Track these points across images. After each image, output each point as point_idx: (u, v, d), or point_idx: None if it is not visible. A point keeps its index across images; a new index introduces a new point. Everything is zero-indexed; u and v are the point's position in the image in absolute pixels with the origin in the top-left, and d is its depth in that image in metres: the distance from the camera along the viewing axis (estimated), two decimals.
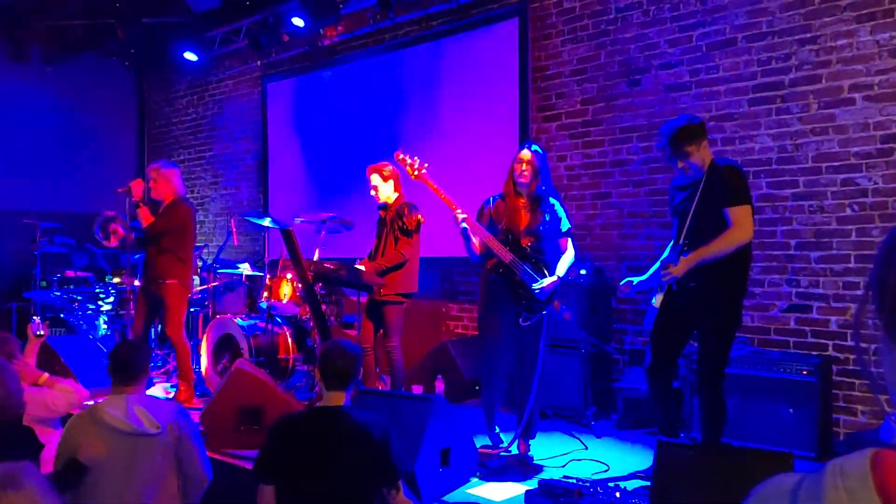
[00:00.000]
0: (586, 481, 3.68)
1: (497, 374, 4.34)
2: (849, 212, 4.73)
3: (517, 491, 3.77)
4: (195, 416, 4.14)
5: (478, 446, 4.16)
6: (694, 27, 5.44)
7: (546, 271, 4.22)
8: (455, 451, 3.84)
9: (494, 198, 4.40)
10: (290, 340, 6.02)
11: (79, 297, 7.23)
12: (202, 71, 9.39)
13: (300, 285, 5.46)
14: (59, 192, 9.20)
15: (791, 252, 4.96)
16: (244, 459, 4.15)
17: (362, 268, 5.03)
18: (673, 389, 4.00)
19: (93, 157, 9.76)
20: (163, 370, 6.79)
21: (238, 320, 6.02)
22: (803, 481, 0.78)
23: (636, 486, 3.79)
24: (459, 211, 4.16)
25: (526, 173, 4.24)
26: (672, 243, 3.99)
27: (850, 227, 4.72)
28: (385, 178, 5.17)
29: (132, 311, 6.18)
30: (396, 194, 5.21)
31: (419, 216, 5.05)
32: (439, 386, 5.78)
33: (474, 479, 3.96)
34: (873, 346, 0.83)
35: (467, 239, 4.23)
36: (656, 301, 3.87)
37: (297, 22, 7.51)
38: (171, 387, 6.19)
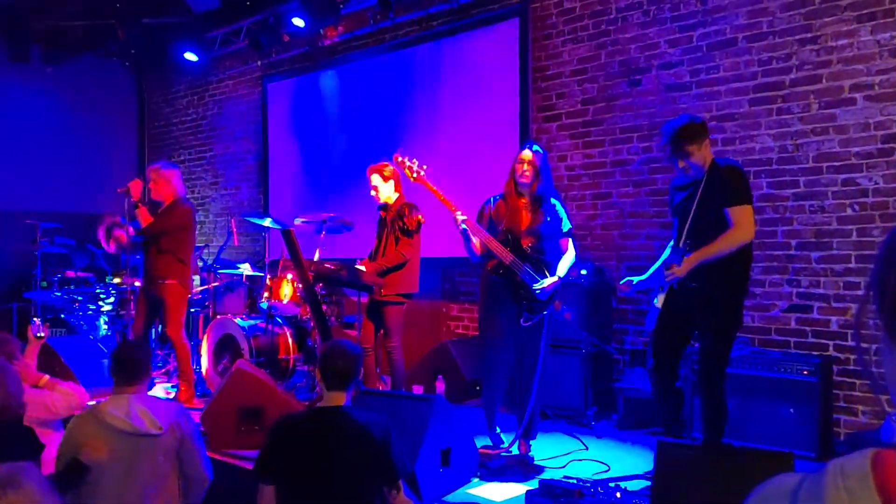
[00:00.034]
0: (587, 481, 3.68)
1: (497, 374, 4.34)
2: (849, 212, 4.73)
3: (518, 491, 3.77)
4: (196, 417, 4.13)
5: (478, 447, 4.16)
6: (694, 27, 5.44)
7: (547, 272, 4.22)
8: (455, 452, 3.84)
9: (495, 198, 4.40)
10: (290, 341, 6.02)
11: (79, 298, 7.23)
12: (202, 71, 9.39)
13: (301, 286, 5.46)
14: (59, 193, 9.20)
15: (792, 252, 4.96)
16: (244, 460, 4.15)
17: (363, 268, 5.03)
18: (676, 389, 3.99)
19: (93, 158, 9.77)
20: (163, 370, 6.79)
21: (238, 321, 6.02)
22: (804, 481, 0.78)
23: (637, 486, 3.79)
24: (459, 212, 4.16)
25: (527, 173, 4.23)
26: (672, 243, 3.99)
27: (850, 226, 4.72)
28: (385, 179, 5.17)
29: (132, 312, 6.18)
30: (397, 194, 5.21)
31: (419, 216, 5.05)
32: (440, 386, 5.78)
33: (475, 480, 3.96)
34: (874, 347, 0.83)
35: (468, 240, 4.23)
36: (658, 301, 3.87)
37: (298, 22, 7.51)
38: (172, 387, 6.19)
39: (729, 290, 3.70)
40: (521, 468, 4.07)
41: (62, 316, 7.39)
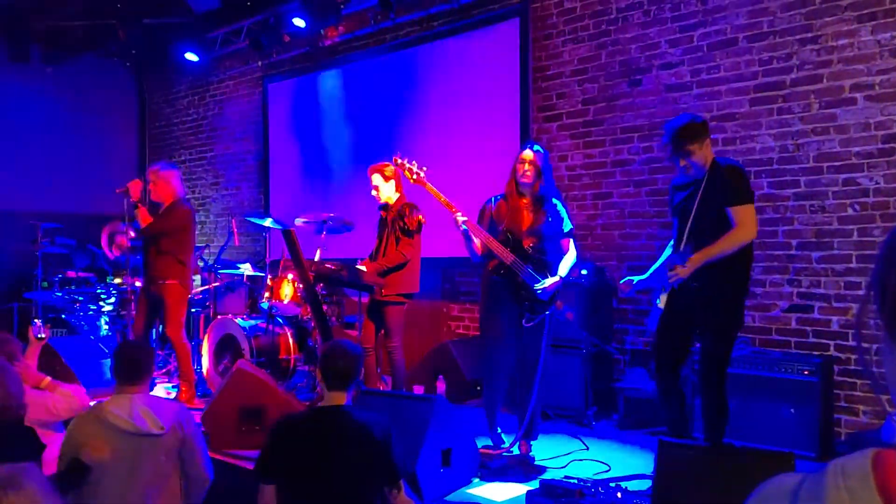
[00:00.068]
0: (588, 481, 3.68)
1: (498, 374, 4.34)
2: (850, 211, 4.72)
3: (519, 491, 3.76)
4: (196, 417, 4.13)
5: (479, 447, 4.16)
6: (695, 27, 5.44)
7: (548, 272, 4.21)
8: (456, 452, 3.84)
9: (496, 198, 4.40)
10: (291, 341, 6.02)
11: (80, 298, 7.23)
12: (203, 71, 9.39)
13: (301, 286, 5.46)
14: (60, 193, 9.20)
15: (792, 252, 4.95)
16: (245, 460, 4.15)
17: (363, 268, 5.03)
18: (679, 390, 3.99)
19: (94, 158, 9.77)
20: (164, 371, 6.79)
21: (239, 321, 6.03)
22: (804, 481, 0.78)
23: (638, 486, 3.79)
24: (459, 214, 4.16)
25: (528, 173, 4.23)
26: (672, 242, 3.99)
27: (851, 226, 4.72)
28: (386, 179, 5.17)
29: (133, 312, 6.18)
30: (398, 194, 5.21)
31: (420, 216, 5.05)
32: (440, 386, 5.78)
33: (476, 480, 3.96)
34: (875, 346, 0.83)
35: (469, 240, 4.23)
36: (661, 302, 3.86)
37: (298, 22, 7.51)
38: (173, 387, 6.19)
39: (730, 289, 3.70)
40: (521, 468, 4.07)
41: (63, 316, 7.39)
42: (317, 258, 5.52)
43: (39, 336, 4.04)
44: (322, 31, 7.80)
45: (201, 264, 7.15)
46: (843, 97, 4.76)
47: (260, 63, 8.76)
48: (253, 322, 6.08)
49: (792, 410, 4.43)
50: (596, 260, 5.87)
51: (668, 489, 3.19)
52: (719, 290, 3.68)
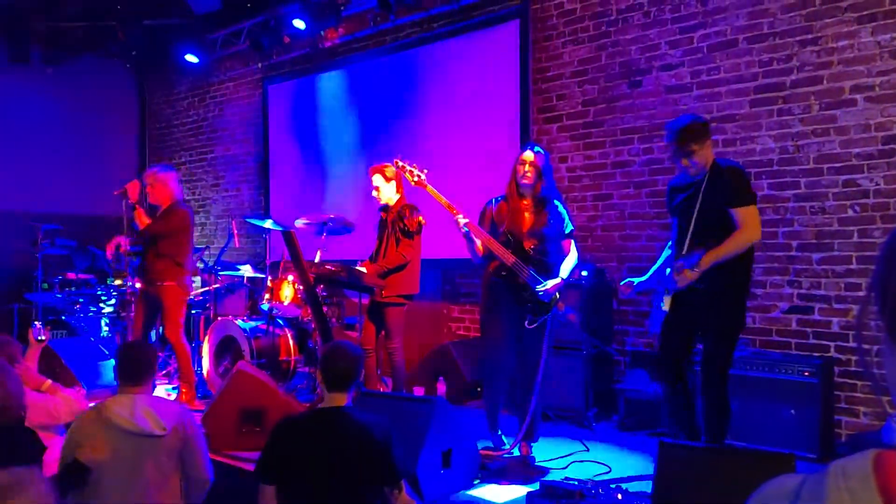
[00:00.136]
0: (588, 483, 3.68)
1: (499, 376, 4.34)
2: (850, 213, 4.72)
3: (519, 493, 3.76)
4: (197, 418, 4.13)
5: (479, 448, 4.16)
6: (695, 28, 5.44)
7: (549, 273, 4.21)
8: (457, 453, 3.84)
9: (497, 199, 4.40)
10: (291, 342, 6.02)
11: (80, 300, 7.23)
12: (203, 73, 9.40)
13: (302, 287, 5.46)
14: (60, 194, 9.20)
15: (792, 253, 4.96)
16: (246, 461, 4.15)
17: (364, 269, 5.03)
18: (686, 390, 3.98)
19: (94, 159, 9.77)
20: (164, 372, 6.79)
21: (239, 322, 6.03)
22: (805, 482, 0.78)
23: (638, 487, 3.79)
24: (461, 215, 4.16)
25: (528, 175, 4.23)
26: (670, 243, 3.99)
27: (851, 228, 4.72)
28: (387, 179, 5.17)
29: (132, 315, 6.19)
30: (398, 195, 5.21)
31: (420, 217, 5.06)
32: (441, 388, 5.78)
33: (476, 481, 3.96)
34: (875, 348, 0.83)
35: (470, 242, 4.23)
36: (665, 304, 3.86)
37: (298, 24, 7.51)
38: (173, 389, 6.19)
39: (732, 291, 3.71)
40: (522, 470, 4.07)
41: (63, 318, 7.40)
42: (317, 259, 5.52)
43: (40, 338, 4.04)
44: (322, 33, 7.80)
45: (201, 266, 7.15)
46: (843, 98, 4.76)
47: (260, 64, 8.77)
48: (253, 323, 6.09)
49: (792, 412, 4.43)
50: (596, 261, 5.87)
51: (668, 490, 3.19)
52: (721, 292, 3.68)
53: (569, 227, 4.32)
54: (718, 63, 5.31)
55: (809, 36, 4.90)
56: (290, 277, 5.66)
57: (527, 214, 4.27)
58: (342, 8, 7.25)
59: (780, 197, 5.01)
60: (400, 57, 7.39)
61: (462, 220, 4.15)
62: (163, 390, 6.23)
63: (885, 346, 0.80)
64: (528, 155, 4.25)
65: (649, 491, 3.47)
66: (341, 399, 2.82)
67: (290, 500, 2.69)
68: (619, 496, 3.47)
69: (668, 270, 3.87)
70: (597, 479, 3.96)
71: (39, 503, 1.66)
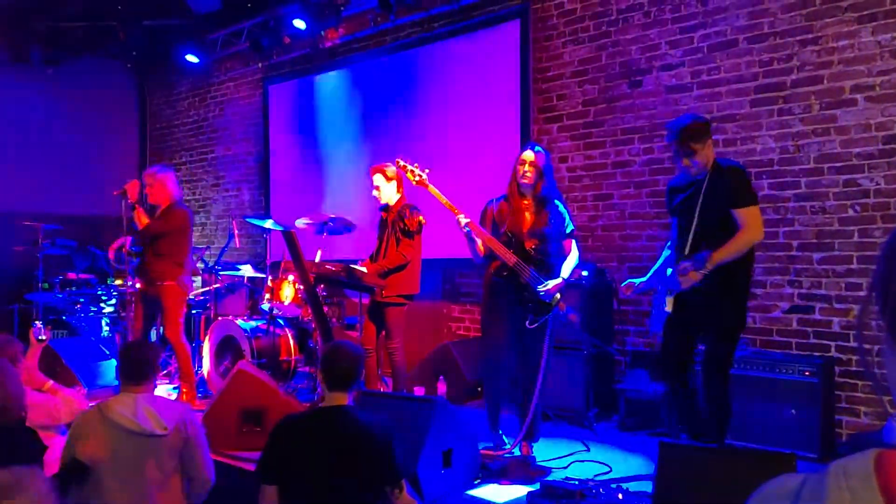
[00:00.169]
0: (589, 483, 3.68)
1: (500, 376, 4.34)
2: (851, 213, 4.72)
3: (520, 492, 3.76)
4: (198, 418, 4.13)
5: (480, 448, 4.16)
6: (695, 28, 5.44)
7: (551, 273, 4.21)
8: (457, 453, 3.84)
9: (497, 199, 4.39)
10: (291, 342, 6.02)
11: (81, 300, 7.24)
12: (204, 73, 9.40)
13: (302, 287, 5.46)
14: (60, 195, 9.20)
15: (793, 253, 4.95)
16: (246, 461, 4.15)
17: (364, 269, 5.03)
18: (690, 389, 3.98)
19: (94, 160, 9.77)
20: (164, 372, 6.79)
21: (240, 322, 6.03)
22: (806, 482, 0.78)
23: (639, 487, 3.79)
24: (462, 215, 4.16)
25: (528, 174, 4.22)
26: (669, 243, 3.99)
27: (852, 227, 4.72)
28: (388, 179, 5.17)
29: (131, 315, 6.19)
30: (399, 195, 5.21)
31: (420, 217, 5.06)
32: (441, 387, 5.77)
33: (477, 481, 3.96)
34: (876, 348, 0.83)
35: (472, 242, 4.23)
36: (668, 305, 3.86)
37: (299, 24, 7.51)
38: (174, 388, 6.19)
39: (733, 291, 3.71)
40: (522, 469, 4.07)
41: (64, 318, 7.40)
42: (317, 259, 5.52)
43: (40, 338, 4.04)
44: (322, 33, 7.80)
45: (202, 266, 7.15)
46: (843, 98, 4.76)
47: (260, 65, 8.77)
48: (254, 323, 6.09)
49: (793, 411, 4.43)
50: (597, 261, 5.87)
51: (669, 490, 3.19)
52: (722, 292, 3.68)
53: (570, 227, 4.32)
54: (719, 63, 5.31)
55: (810, 36, 4.90)
56: (291, 277, 5.66)
57: (527, 214, 4.27)
58: (342, 8, 7.25)
59: (781, 197, 5.01)
60: (400, 57, 7.39)
61: (463, 220, 4.14)
62: (163, 390, 6.23)
63: (886, 346, 0.80)
64: (528, 154, 4.25)
65: (650, 491, 3.47)
66: (342, 399, 2.82)
67: (290, 499, 2.69)
68: (620, 496, 3.47)
69: (670, 271, 3.87)
70: (597, 478, 3.96)
71: (40, 503, 1.66)
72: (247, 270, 6.93)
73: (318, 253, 5.64)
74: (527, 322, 4.18)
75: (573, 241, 4.35)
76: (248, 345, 5.84)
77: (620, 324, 5.84)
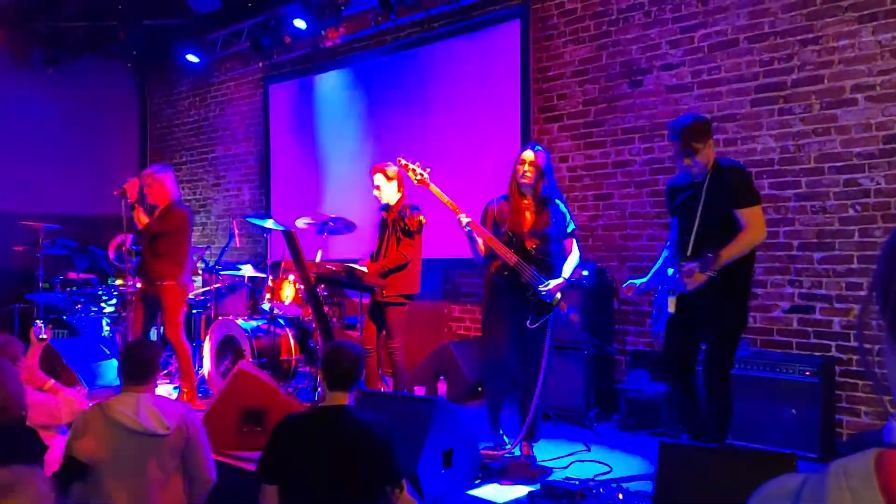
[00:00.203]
0: (589, 482, 3.68)
1: (500, 375, 4.34)
2: (851, 212, 4.72)
3: (520, 492, 3.76)
4: (199, 418, 4.14)
5: (480, 448, 4.16)
6: (695, 28, 5.44)
7: (552, 273, 4.20)
8: (457, 453, 3.84)
9: (498, 199, 4.39)
10: (292, 342, 6.02)
11: (81, 299, 7.24)
12: (204, 73, 9.40)
13: (302, 287, 5.47)
14: (60, 195, 9.20)
15: (794, 253, 4.95)
16: (246, 461, 4.15)
17: (364, 269, 5.03)
18: (693, 389, 3.98)
19: (94, 159, 9.77)
20: (165, 372, 6.79)
21: (240, 322, 6.03)
22: (807, 482, 0.78)
23: (639, 487, 3.79)
24: (463, 215, 4.16)
25: (528, 174, 4.22)
26: (669, 243, 3.99)
27: (852, 227, 4.72)
28: (389, 178, 5.17)
29: (130, 315, 6.19)
30: (399, 195, 5.21)
31: (421, 217, 5.05)
32: (441, 387, 5.77)
33: (477, 481, 3.96)
34: (877, 347, 0.83)
35: (473, 241, 4.23)
36: (671, 306, 3.85)
37: (299, 24, 7.51)
38: (174, 388, 6.19)
39: (734, 291, 3.71)
40: (523, 469, 4.07)
41: (64, 317, 7.39)
42: (318, 259, 5.52)
43: (41, 337, 4.05)
44: (323, 33, 7.80)
45: (202, 266, 7.15)
46: (843, 98, 4.76)
47: (261, 64, 8.77)
48: (254, 323, 6.09)
49: (793, 411, 4.43)
50: (597, 261, 5.87)
51: (669, 490, 3.19)
52: (723, 292, 3.68)
53: (570, 227, 4.32)
54: (719, 62, 5.31)
55: (810, 35, 4.90)
56: (291, 277, 5.66)
57: (528, 214, 4.26)
58: (343, 8, 7.25)
59: (781, 196, 5.01)
60: (401, 57, 7.39)
61: (465, 220, 4.14)
62: (164, 390, 6.23)
63: (887, 346, 0.80)
64: (528, 154, 4.25)
65: (650, 491, 3.47)
66: (342, 398, 2.82)
67: (291, 499, 2.69)
68: (620, 496, 3.47)
69: (671, 271, 3.87)
70: (598, 478, 3.96)
71: (40, 502, 1.66)
72: (247, 270, 6.93)
73: (319, 253, 5.64)
74: (527, 322, 4.18)
75: (574, 241, 4.35)
76: (249, 345, 5.84)
77: (621, 323, 5.84)
